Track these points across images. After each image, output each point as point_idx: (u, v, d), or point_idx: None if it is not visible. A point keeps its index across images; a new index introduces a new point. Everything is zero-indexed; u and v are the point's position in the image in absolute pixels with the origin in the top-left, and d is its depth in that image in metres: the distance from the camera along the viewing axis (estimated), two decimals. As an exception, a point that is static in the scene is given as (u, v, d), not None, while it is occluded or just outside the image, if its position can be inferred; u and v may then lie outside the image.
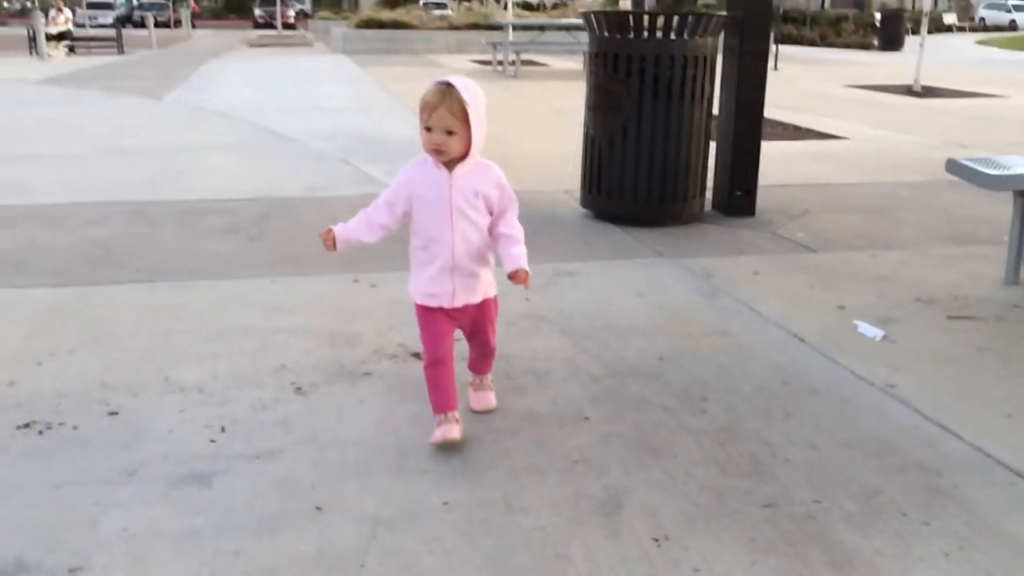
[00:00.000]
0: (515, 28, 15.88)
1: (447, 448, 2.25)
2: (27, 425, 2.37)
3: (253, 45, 26.42)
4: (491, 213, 2.26)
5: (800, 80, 14.10)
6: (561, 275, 3.75)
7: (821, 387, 2.69)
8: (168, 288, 3.56)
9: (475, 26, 19.89)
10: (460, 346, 2.44)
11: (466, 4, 27.12)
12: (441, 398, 2.30)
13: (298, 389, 2.62)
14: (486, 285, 2.33)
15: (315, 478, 2.14)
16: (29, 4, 24.87)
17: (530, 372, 2.77)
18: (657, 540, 1.89)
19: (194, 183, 5.65)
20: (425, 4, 34.06)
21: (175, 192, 5.36)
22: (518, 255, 2.24)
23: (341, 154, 6.63)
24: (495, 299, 2.40)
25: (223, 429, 2.37)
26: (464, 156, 2.16)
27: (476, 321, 2.38)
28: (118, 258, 3.97)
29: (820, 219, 4.88)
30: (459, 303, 2.28)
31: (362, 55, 19.34)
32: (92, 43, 21.50)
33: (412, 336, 2.38)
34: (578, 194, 4.95)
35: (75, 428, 2.36)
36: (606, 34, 4.52)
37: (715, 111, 4.72)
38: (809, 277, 3.81)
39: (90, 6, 38.48)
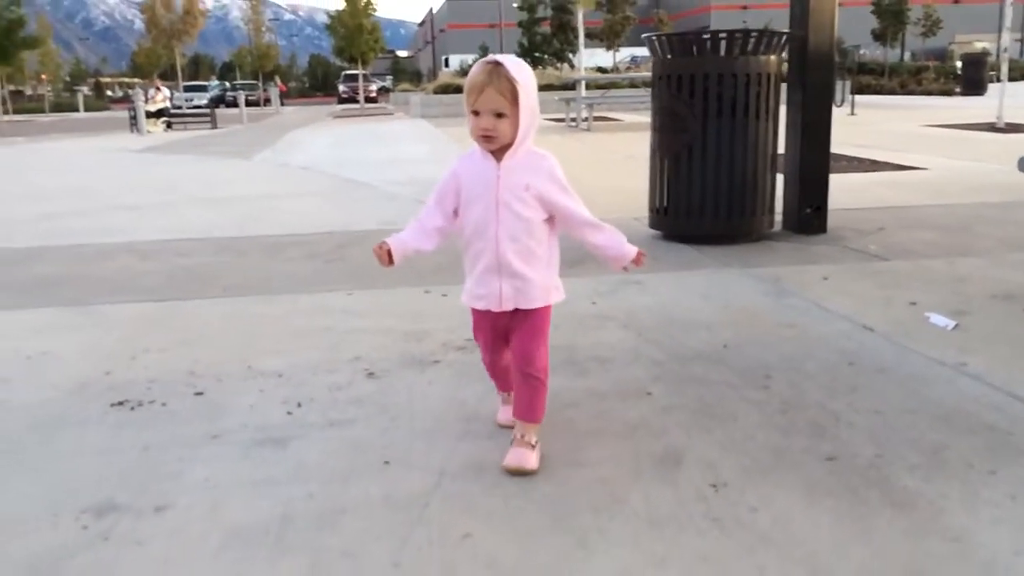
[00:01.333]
0: (587, 86, 16.19)
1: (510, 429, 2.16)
2: (120, 403, 2.54)
3: (337, 117, 27.60)
4: (545, 209, 2.01)
5: (877, 123, 13.95)
6: (627, 284, 3.81)
7: (888, 366, 2.66)
8: (251, 301, 3.76)
9: (549, 87, 20.30)
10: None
11: (540, 68, 27.83)
12: (502, 381, 2.29)
13: (370, 374, 2.74)
14: (543, 291, 2.05)
15: (384, 442, 2.23)
16: (130, 91, 26.63)
17: (594, 359, 2.82)
18: (715, 486, 1.91)
19: (277, 221, 5.94)
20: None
21: (259, 229, 5.64)
22: (618, 239, 2.08)
23: (415, 196, 6.86)
24: (549, 310, 2.10)
25: (299, 404, 2.49)
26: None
27: (521, 327, 2.07)
28: (206, 280, 4.21)
29: (894, 235, 4.82)
30: (508, 307, 2.04)
31: (439, 118, 19.97)
32: (188, 119, 22.81)
33: (480, 332, 2.46)
34: (647, 220, 5.02)
35: (164, 405, 2.52)
36: (669, 56, 4.64)
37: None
38: (880, 280, 3.77)
39: (186, 89, 40.92)
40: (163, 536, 1.78)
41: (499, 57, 1.97)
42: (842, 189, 6.01)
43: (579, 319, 3.25)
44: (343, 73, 49.91)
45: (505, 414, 2.29)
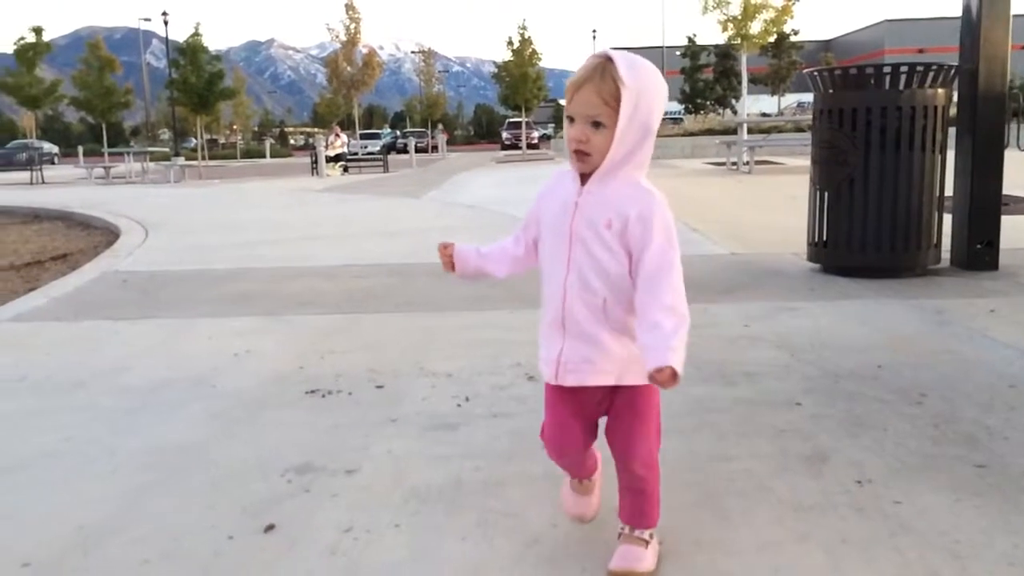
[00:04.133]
0: (749, 130, 16.10)
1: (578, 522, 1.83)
2: (312, 391, 2.88)
3: (500, 162, 28.55)
4: (631, 256, 1.51)
5: (1067, 166, 13.05)
6: (781, 310, 3.86)
7: (1053, 391, 2.62)
8: (422, 315, 4.09)
9: (709, 131, 20.34)
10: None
11: (701, 114, 27.80)
12: (571, 471, 1.80)
13: (530, 377, 2.95)
14: (626, 363, 1.55)
15: (543, 431, 2.43)
16: (311, 139, 28.72)
17: (743, 373, 2.92)
18: (860, 482, 1.99)
19: (446, 251, 6.33)
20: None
21: (428, 257, 6.00)
22: (662, 342, 1.43)
23: (576, 231, 7.12)
24: (653, 390, 1.58)
25: (467, 399, 2.74)
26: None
27: (614, 417, 1.62)
28: (381, 297, 4.60)
29: (1074, 273, 4.61)
30: (568, 380, 1.57)
31: (599, 163, 20.30)
32: (363, 163, 24.32)
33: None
34: (805, 255, 5.03)
35: (350, 394, 2.84)
36: (830, 91, 4.68)
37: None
38: (1053, 313, 3.65)
39: (362, 136, 43.59)
40: (354, 491, 2.05)
41: (615, 52, 1.50)
42: (1018, 229, 5.78)
43: (730, 340, 3.35)
44: (507, 120, 51.56)
45: (575, 507, 1.80)
